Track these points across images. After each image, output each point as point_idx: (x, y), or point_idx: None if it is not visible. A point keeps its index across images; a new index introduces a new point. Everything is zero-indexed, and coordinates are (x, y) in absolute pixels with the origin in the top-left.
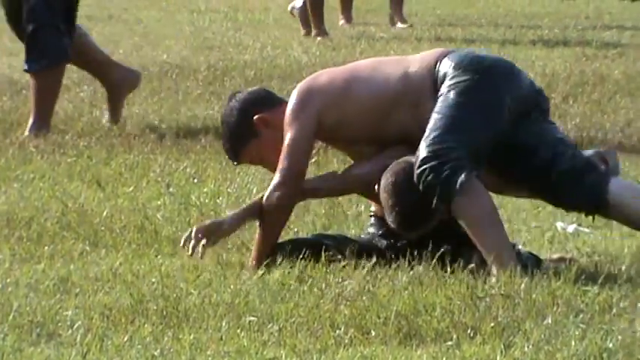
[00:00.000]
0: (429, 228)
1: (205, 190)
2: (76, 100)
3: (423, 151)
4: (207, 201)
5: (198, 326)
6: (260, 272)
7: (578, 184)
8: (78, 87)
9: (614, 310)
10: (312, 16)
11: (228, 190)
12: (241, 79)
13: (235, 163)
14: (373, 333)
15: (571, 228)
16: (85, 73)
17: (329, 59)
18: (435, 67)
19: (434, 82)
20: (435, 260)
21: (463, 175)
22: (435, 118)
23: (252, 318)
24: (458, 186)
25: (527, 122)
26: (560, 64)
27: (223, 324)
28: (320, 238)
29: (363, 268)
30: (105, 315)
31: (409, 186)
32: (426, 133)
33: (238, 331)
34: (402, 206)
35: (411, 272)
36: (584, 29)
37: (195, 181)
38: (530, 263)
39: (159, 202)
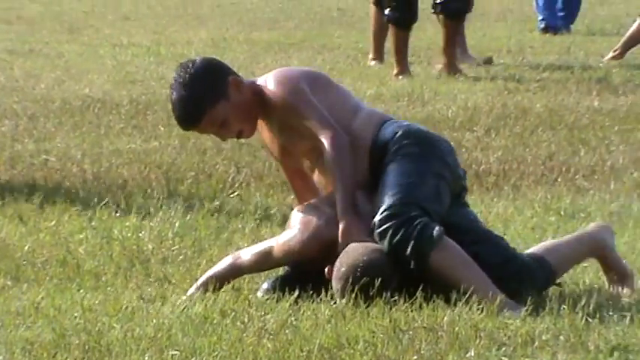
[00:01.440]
0: None
1: (128, 224)
2: None
3: (381, 213)
4: (129, 235)
5: None
6: (182, 306)
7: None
8: None
9: (537, 343)
10: (396, 53)
11: (151, 224)
12: (164, 113)
13: (191, 128)
14: None
15: None
16: (6, 107)
17: None
18: (379, 129)
19: (374, 142)
20: (357, 293)
21: (435, 229)
22: (388, 182)
23: (174, 352)
24: (434, 239)
25: (458, 203)
26: (482, 97)
27: (146, 358)
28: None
29: (286, 301)
30: (27, 350)
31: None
32: (381, 197)
33: None
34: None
35: (334, 305)
36: (506, 63)
37: (118, 214)
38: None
39: (81, 236)
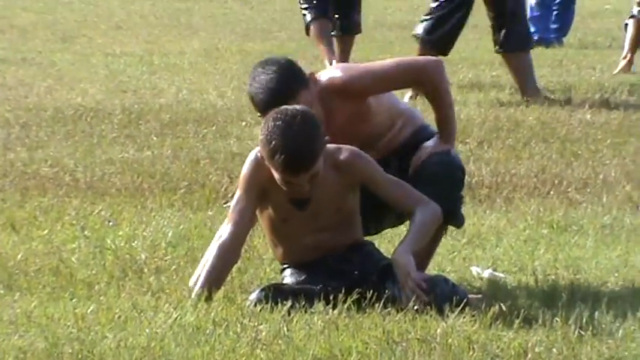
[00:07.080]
0: None
1: (120, 233)
2: None
3: None
4: (122, 244)
5: None
6: (175, 315)
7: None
8: None
9: (530, 355)
10: None
11: (144, 233)
12: (156, 123)
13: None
14: None
15: (486, 273)
16: None
17: (245, 104)
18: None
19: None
20: (350, 303)
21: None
22: None
23: None
24: None
25: None
26: (474, 109)
27: None
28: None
29: (279, 311)
30: (19, 359)
31: None
32: None
33: None
34: None
35: (327, 316)
36: (498, 75)
37: (111, 224)
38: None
39: (74, 246)
